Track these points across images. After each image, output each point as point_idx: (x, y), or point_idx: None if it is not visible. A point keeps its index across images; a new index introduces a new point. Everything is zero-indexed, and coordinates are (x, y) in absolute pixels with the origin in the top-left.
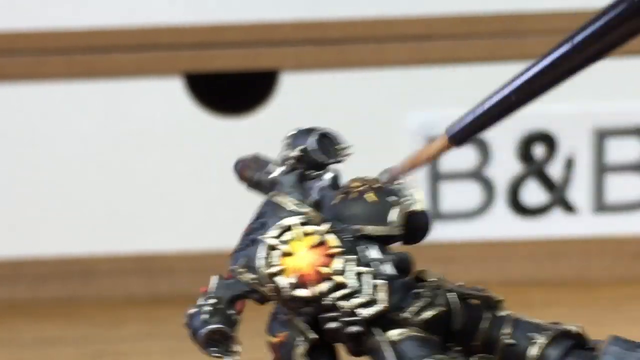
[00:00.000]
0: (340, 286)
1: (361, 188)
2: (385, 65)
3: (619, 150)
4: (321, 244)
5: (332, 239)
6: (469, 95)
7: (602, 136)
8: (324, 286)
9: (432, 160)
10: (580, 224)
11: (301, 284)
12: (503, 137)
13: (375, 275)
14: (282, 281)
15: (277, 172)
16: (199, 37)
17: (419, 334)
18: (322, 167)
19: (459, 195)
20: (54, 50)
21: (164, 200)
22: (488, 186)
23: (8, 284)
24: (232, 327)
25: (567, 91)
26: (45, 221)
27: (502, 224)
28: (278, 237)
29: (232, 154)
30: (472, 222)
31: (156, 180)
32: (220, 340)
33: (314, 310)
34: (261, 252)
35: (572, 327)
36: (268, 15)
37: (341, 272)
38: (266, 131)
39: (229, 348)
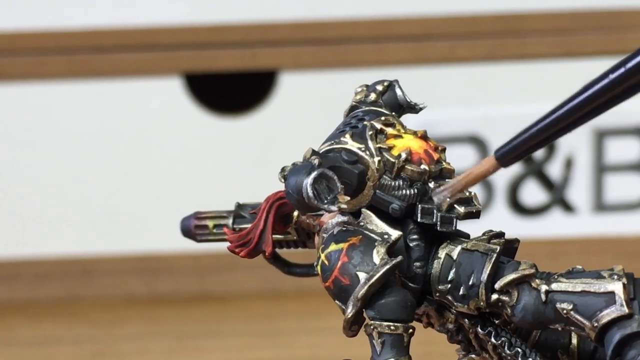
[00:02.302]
0: (446, 174)
1: None
2: (384, 65)
3: (618, 150)
4: (425, 138)
5: (433, 140)
6: (469, 94)
7: (601, 136)
8: (434, 167)
9: (480, 181)
10: (579, 223)
11: (411, 160)
12: (502, 136)
13: None
14: (392, 156)
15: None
16: (199, 37)
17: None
18: (399, 109)
19: None
20: (54, 51)
21: (163, 200)
22: (487, 186)
23: (8, 283)
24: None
25: (566, 91)
26: (45, 221)
27: (501, 224)
28: (383, 124)
29: (231, 153)
30: (472, 222)
31: (156, 180)
32: (324, 191)
33: (413, 197)
34: (369, 131)
35: None
36: (267, 15)
37: (448, 163)
38: (265, 131)
39: (334, 198)
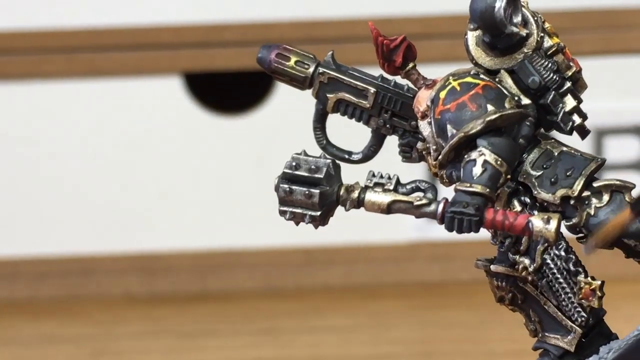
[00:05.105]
0: (580, 88)
1: None
2: None
3: (618, 149)
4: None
5: None
6: None
7: (601, 135)
8: (577, 74)
9: (621, 231)
10: None
11: (565, 55)
12: None
13: None
14: (551, 41)
15: None
16: (198, 36)
17: None
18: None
19: None
20: (55, 50)
21: (163, 199)
22: None
23: (8, 282)
24: None
25: None
26: (45, 221)
27: None
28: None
29: (231, 152)
30: None
31: (156, 180)
32: (511, 14)
33: (554, 81)
34: (540, 17)
35: None
36: (266, 14)
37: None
38: (265, 130)
39: (517, 22)
